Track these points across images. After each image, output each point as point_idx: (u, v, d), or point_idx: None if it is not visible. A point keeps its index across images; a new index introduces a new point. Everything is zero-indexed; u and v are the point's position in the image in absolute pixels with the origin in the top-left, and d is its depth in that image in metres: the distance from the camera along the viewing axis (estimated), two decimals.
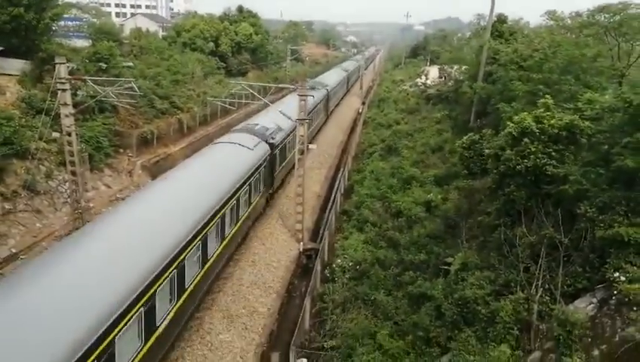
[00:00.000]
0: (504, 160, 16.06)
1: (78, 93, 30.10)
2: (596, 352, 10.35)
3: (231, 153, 22.00)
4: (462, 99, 37.38)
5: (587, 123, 15.21)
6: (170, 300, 13.34)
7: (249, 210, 21.86)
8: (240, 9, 78.83)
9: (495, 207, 17.82)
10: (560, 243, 12.81)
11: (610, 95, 17.25)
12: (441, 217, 22.06)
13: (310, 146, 29.92)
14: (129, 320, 10.64)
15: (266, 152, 24.34)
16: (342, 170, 36.99)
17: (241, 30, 69.33)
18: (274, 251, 23.26)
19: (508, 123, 16.84)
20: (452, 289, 14.94)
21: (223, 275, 20.19)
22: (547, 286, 12.47)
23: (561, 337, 10.82)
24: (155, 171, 33.36)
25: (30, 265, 11.49)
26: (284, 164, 29.37)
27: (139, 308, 11.10)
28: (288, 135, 29.55)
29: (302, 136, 23.52)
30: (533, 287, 12.40)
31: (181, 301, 14.02)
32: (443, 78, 51.26)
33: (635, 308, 10.36)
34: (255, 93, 28.62)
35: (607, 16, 22.97)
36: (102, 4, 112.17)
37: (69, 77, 21.53)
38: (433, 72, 56.92)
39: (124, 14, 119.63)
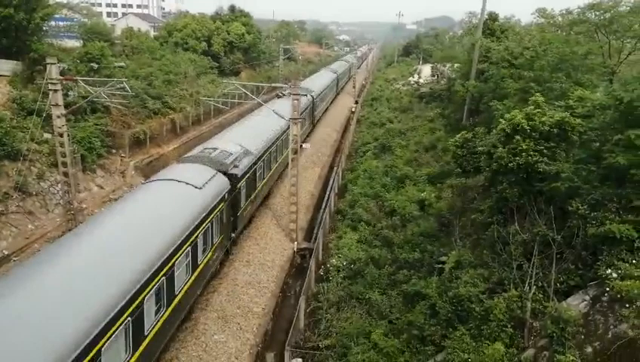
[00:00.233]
0: (496, 157, 16.12)
1: (69, 93, 29.90)
2: (589, 349, 10.43)
3: (165, 199, 15.99)
4: (454, 98, 37.50)
5: (578, 120, 15.31)
6: None
7: (192, 278, 15.69)
8: (232, 8, 78.53)
9: (488, 205, 17.91)
10: (552, 240, 12.88)
11: (601, 92, 17.37)
12: (434, 215, 22.12)
13: (304, 145, 29.93)
14: None
15: (224, 189, 18.99)
16: (335, 168, 37.02)
17: (234, 30, 69.09)
18: (268, 251, 23.24)
19: (500, 120, 16.92)
20: (446, 287, 14.98)
21: (217, 275, 20.16)
22: (540, 283, 12.54)
23: (554, 334, 10.89)
24: (148, 171, 33.21)
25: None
26: (252, 196, 23.81)
27: None
28: (261, 156, 24.80)
29: (295, 135, 23.49)
30: (527, 285, 12.46)
31: None
32: (436, 77, 51.46)
33: (627, 305, 10.45)
34: (248, 93, 28.54)
35: (597, 13, 23.12)
36: (93, 4, 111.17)
37: (61, 77, 21.36)
38: (426, 70, 57.12)
39: (116, 14, 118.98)
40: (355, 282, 19.03)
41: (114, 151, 33.89)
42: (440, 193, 24.60)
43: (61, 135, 21.78)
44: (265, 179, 26.12)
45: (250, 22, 76.20)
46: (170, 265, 13.45)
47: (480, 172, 20.06)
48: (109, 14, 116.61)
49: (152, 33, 71.83)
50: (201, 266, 16.58)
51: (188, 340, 16.37)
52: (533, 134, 15.37)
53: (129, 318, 11.03)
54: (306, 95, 40.91)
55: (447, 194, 24.05)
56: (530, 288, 12.33)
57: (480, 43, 32.84)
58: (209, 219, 16.90)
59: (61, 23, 50.58)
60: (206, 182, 17.71)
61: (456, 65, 42.69)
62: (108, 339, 10.09)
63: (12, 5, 30.38)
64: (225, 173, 19.65)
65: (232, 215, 20.67)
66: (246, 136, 24.87)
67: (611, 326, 10.49)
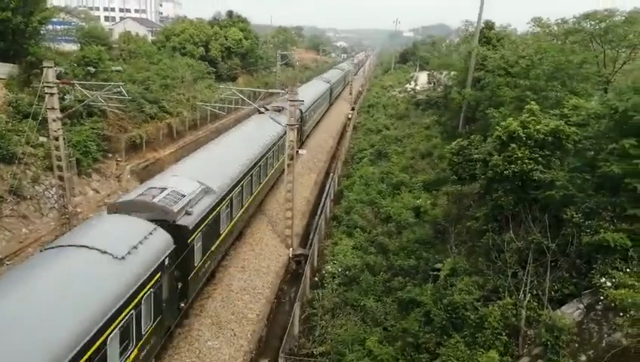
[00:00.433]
0: (492, 165, 16.15)
1: (66, 97, 29.83)
2: (583, 358, 10.43)
3: (59, 283, 10.87)
4: (451, 105, 37.60)
5: (573, 128, 15.38)
6: None
7: None
8: (230, 14, 78.76)
9: (483, 213, 17.92)
10: (547, 248, 12.92)
11: (596, 101, 17.47)
12: (430, 222, 22.13)
13: (300, 152, 29.91)
14: None
15: (164, 251, 14.01)
16: (331, 175, 37.04)
17: (231, 35, 69.24)
18: (263, 257, 23.18)
19: (496, 128, 16.99)
20: (441, 294, 14.97)
21: (212, 281, 20.08)
22: (535, 291, 12.56)
23: (548, 343, 10.90)
24: (144, 176, 33.11)
25: None
26: (214, 247, 18.60)
27: None
28: (229, 193, 20.12)
29: (291, 141, 23.50)
30: (521, 293, 12.48)
31: None
32: (432, 84, 51.59)
33: (621, 314, 10.48)
34: (245, 98, 28.59)
35: (592, 23, 23.28)
36: (91, 8, 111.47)
37: (57, 81, 21.36)
38: (422, 77, 57.31)
39: (113, 18, 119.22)
40: (350, 289, 18.99)
41: (110, 155, 33.80)
42: (435, 200, 24.62)
43: (57, 139, 21.74)
44: (234, 220, 21.18)
45: (248, 27, 76.43)
46: None
47: (475, 179, 20.09)
48: (106, 18, 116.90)
49: (150, 38, 71.88)
50: None
51: (181, 346, 16.28)
52: (529, 142, 15.42)
53: None
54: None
55: (443, 201, 24.07)
56: (524, 296, 12.35)
57: (476, 51, 33.00)
58: (133, 304, 11.77)
59: (59, 27, 50.73)
60: (134, 247, 12.71)
61: (452, 72, 42.83)
62: None
63: (9, 8, 30.36)
64: (170, 226, 14.98)
65: (181, 280, 15.67)
66: (211, 167, 20.73)
67: (605, 335, 10.51)
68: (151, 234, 13.85)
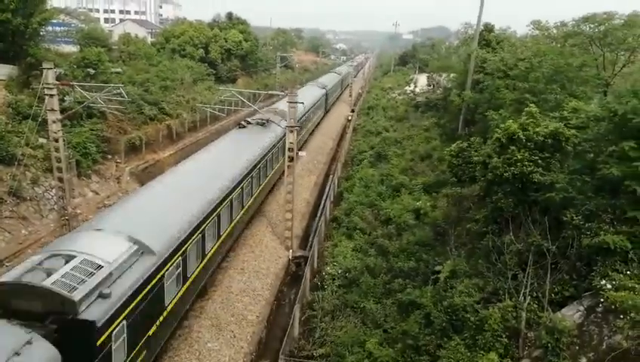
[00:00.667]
0: (492, 167, 16.19)
1: (65, 98, 29.87)
2: (584, 360, 10.45)
3: None
4: (450, 107, 37.67)
5: (572, 131, 15.43)
6: None
7: None
8: (229, 16, 78.91)
9: (483, 215, 17.95)
10: (547, 250, 12.93)
11: (596, 104, 17.52)
12: (430, 224, 22.15)
13: (300, 153, 29.91)
14: None
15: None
16: (331, 176, 37.05)
17: (231, 37, 69.37)
18: (263, 258, 23.17)
19: (496, 130, 17.02)
20: (441, 296, 14.98)
21: (212, 283, 20.06)
22: (535, 294, 12.57)
23: (549, 345, 10.91)
24: (144, 178, 33.12)
25: None
26: (146, 343, 12.83)
27: None
28: (175, 254, 14.23)
29: (291, 143, 23.51)
30: (521, 295, 12.49)
31: None
32: (432, 86, 51.71)
33: (621, 316, 10.48)
34: (244, 100, 28.63)
35: (592, 26, 23.33)
36: (90, 10, 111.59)
37: (57, 82, 21.36)
38: (422, 80, 57.42)
39: (113, 20, 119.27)
40: (350, 291, 18.98)
41: (109, 156, 33.81)
42: (435, 202, 24.64)
43: (56, 140, 21.72)
44: (188, 282, 15.69)
45: (248, 29, 76.60)
46: None
47: (475, 181, 20.13)
48: (106, 20, 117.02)
49: (150, 39, 72.06)
50: None
51: (181, 348, 16.26)
52: (528, 144, 15.46)
53: None
54: (278, 121, 30.83)
55: (443, 203, 24.10)
56: (524, 298, 12.35)
57: (476, 54, 33.08)
58: None
59: (58, 28, 50.76)
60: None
61: (452, 75, 42.94)
62: None
63: (9, 10, 30.43)
64: (67, 325, 9.86)
65: None
66: (157, 213, 15.25)
67: (606, 337, 10.52)
68: (17, 354, 8.56)
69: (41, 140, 27.53)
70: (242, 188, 21.82)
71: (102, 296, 10.68)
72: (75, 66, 35.39)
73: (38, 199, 25.79)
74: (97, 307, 10.44)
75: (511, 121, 16.51)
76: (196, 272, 16.47)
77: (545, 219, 13.84)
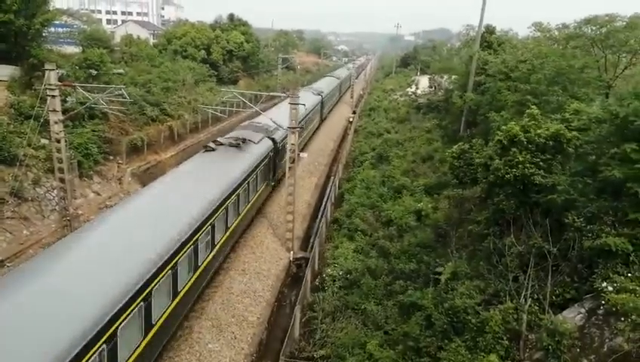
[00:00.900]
0: (493, 169, 16.18)
1: (67, 99, 29.91)
2: None
3: None
4: (452, 109, 37.68)
5: (574, 133, 15.41)
6: None
7: None
8: (231, 17, 79.05)
9: (484, 217, 17.93)
10: (548, 252, 12.91)
11: (597, 106, 17.50)
12: (431, 226, 22.14)
13: (301, 155, 29.92)
14: None
15: None
16: (332, 178, 37.04)
17: (233, 38, 69.48)
18: (264, 260, 23.17)
19: (497, 132, 17.02)
20: (442, 298, 14.96)
21: (212, 284, 20.06)
22: (536, 296, 12.54)
23: (550, 347, 10.88)
24: (145, 179, 33.15)
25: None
26: None
27: None
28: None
29: (292, 144, 23.53)
30: (522, 297, 12.47)
31: None
32: (433, 88, 51.71)
33: (622, 319, 10.44)
34: (246, 101, 28.64)
35: (593, 28, 23.33)
36: (93, 11, 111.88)
37: (59, 83, 21.42)
38: (423, 81, 57.40)
39: (115, 21, 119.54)
40: (351, 292, 18.98)
41: (111, 157, 33.84)
42: (437, 204, 24.63)
43: (58, 141, 21.78)
44: None
45: (249, 31, 76.71)
46: None
47: (477, 183, 20.11)
48: (108, 21, 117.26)
49: (152, 40, 72.16)
50: None
51: (182, 349, 16.25)
52: (530, 146, 15.45)
53: None
54: (259, 139, 26.12)
55: (444, 205, 24.08)
56: (525, 300, 12.33)
57: (477, 55, 33.08)
58: None
59: (60, 29, 50.86)
60: None
61: (453, 76, 42.96)
62: None
63: (12, 11, 30.49)
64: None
65: None
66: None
67: (607, 340, 10.50)
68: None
69: (43, 141, 27.57)
70: (196, 243, 15.50)
71: None
72: (77, 67, 35.44)
73: (40, 199, 25.82)
74: None
75: (513, 123, 16.50)
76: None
77: (546, 221, 13.83)
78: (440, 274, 16.93)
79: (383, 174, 31.49)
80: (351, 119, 60.29)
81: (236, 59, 69.90)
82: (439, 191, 26.00)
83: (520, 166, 15.17)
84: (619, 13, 23.22)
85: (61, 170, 22.29)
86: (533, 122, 15.90)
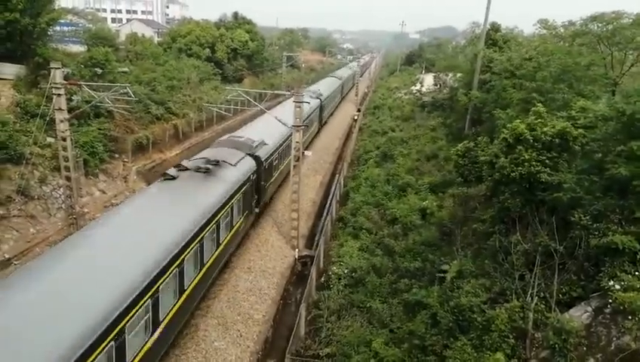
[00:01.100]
0: (499, 167, 16.12)
1: (73, 98, 30.04)
2: (592, 361, 10.37)
3: None
4: (457, 107, 37.53)
5: (580, 130, 15.33)
6: None
7: None
8: (235, 16, 79.07)
9: (490, 215, 17.88)
10: (555, 251, 12.85)
11: (604, 103, 17.39)
12: (436, 224, 22.09)
13: (306, 153, 29.93)
14: None
15: None
16: (337, 176, 37.02)
17: (237, 37, 69.49)
18: (269, 258, 23.21)
19: (503, 130, 16.95)
20: (448, 296, 14.93)
21: (218, 282, 20.12)
22: (542, 294, 12.50)
23: (556, 346, 10.84)
24: (150, 177, 33.26)
25: None
26: None
27: None
28: None
29: (297, 142, 23.53)
30: (529, 295, 12.43)
31: None
32: (438, 86, 51.53)
33: (630, 317, 10.41)
34: (250, 100, 28.65)
35: (600, 25, 23.17)
36: (98, 10, 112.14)
37: (64, 82, 21.49)
38: (428, 79, 57.20)
39: (120, 20, 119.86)
40: (356, 290, 18.98)
41: (116, 156, 33.98)
42: (442, 202, 24.57)
43: (64, 139, 21.87)
44: None
45: (254, 29, 76.69)
46: None
47: (482, 181, 20.04)
48: (113, 20, 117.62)
49: (156, 39, 72.28)
50: None
51: (188, 346, 16.32)
52: (536, 144, 15.38)
53: None
54: (239, 158, 22.19)
55: (449, 203, 24.02)
56: (532, 299, 12.29)
57: (482, 53, 32.95)
58: None
59: (66, 28, 51.05)
60: None
61: (458, 74, 42.77)
62: None
63: (17, 10, 30.59)
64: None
65: None
66: None
67: (614, 338, 10.45)
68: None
69: (49, 139, 27.70)
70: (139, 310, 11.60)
71: None
72: (82, 66, 35.56)
73: (46, 198, 25.96)
74: None
75: (518, 121, 16.43)
76: None
77: (552, 219, 13.76)
78: (445, 272, 16.90)
79: (388, 172, 31.44)
80: (355, 117, 60.22)
81: (241, 57, 69.94)
82: (444, 189, 25.94)
83: (526, 164, 15.11)
84: (625, 10, 23.07)
85: (67, 169, 22.39)
86: (539, 120, 15.82)
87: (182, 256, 14.17)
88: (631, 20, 22.19)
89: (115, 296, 10.78)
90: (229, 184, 19.49)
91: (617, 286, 11.14)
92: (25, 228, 23.82)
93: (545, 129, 15.39)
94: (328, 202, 32.29)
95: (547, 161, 15.13)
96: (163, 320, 13.23)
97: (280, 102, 44.69)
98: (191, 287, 15.43)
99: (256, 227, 25.77)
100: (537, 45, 27.50)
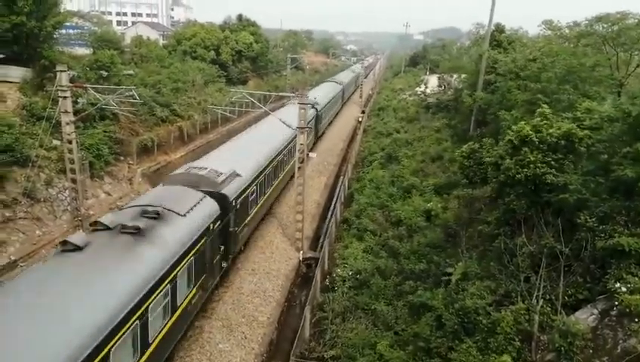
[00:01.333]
0: (504, 169, 16.08)
1: (78, 100, 30.15)
2: None
3: None
4: (461, 108, 37.47)
5: (586, 132, 15.27)
6: None
7: None
8: (240, 18, 79.30)
9: (495, 216, 17.84)
10: (560, 253, 12.80)
11: (609, 104, 17.32)
12: (441, 226, 22.04)
13: (310, 155, 29.90)
14: None
15: None
16: (342, 178, 37.00)
17: (242, 39, 69.70)
18: (274, 260, 23.21)
19: (508, 131, 16.90)
20: (453, 299, 14.89)
21: (223, 284, 20.14)
22: (548, 296, 12.44)
23: (562, 348, 10.79)
24: (155, 179, 33.35)
25: None
26: None
27: None
28: None
29: (302, 144, 23.53)
30: (534, 298, 12.37)
31: None
32: (442, 87, 51.47)
33: (636, 320, 10.34)
34: (255, 102, 28.67)
35: (605, 26, 23.07)
36: (103, 13, 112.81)
37: (70, 84, 21.65)
38: (433, 80, 57.15)
39: (125, 23, 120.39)
40: (361, 292, 18.95)
41: (122, 158, 34.11)
42: (446, 204, 24.52)
43: (70, 142, 22.01)
44: None
45: (258, 31, 76.93)
46: None
47: (487, 183, 19.99)
48: (119, 23, 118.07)
49: (161, 42, 72.56)
50: None
51: (192, 349, 16.33)
52: (541, 146, 15.33)
53: None
54: (201, 199, 16.90)
55: (454, 204, 23.97)
56: (537, 301, 12.24)
57: (487, 54, 32.88)
58: None
59: (72, 31, 51.25)
60: None
61: (463, 75, 42.74)
62: None
63: (24, 13, 30.80)
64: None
65: None
66: None
67: (620, 341, 10.39)
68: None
69: (55, 142, 27.83)
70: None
71: None
72: (88, 69, 35.74)
73: (52, 200, 26.08)
74: None
75: (523, 122, 16.37)
76: None
77: (558, 221, 13.70)
78: (450, 274, 16.84)
79: (393, 174, 31.41)
80: (360, 119, 60.23)
81: (245, 59, 70.13)
82: (449, 190, 25.89)
83: (531, 165, 15.07)
84: (631, 10, 22.95)
85: (73, 171, 22.53)
86: (544, 121, 15.77)
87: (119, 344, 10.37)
88: (636, 21, 22.09)
89: None
90: (171, 248, 13.60)
91: (624, 289, 11.09)
92: (31, 230, 23.94)
93: (550, 130, 15.34)
94: (333, 204, 32.28)
95: (553, 163, 15.08)
96: None
97: (284, 104, 44.32)
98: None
99: (261, 229, 25.77)
100: (542, 46, 27.41)
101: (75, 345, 9.21)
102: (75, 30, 53.64)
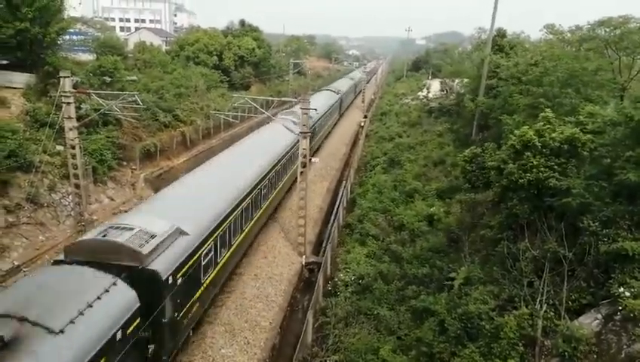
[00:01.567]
0: (506, 173, 16.05)
1: (82, 106, 30.31)
2: None
3: None
4: (463, 113, 37.46)
5: (588, 136, 15.25)
6: None
7: None
8: (242, 23, 79.61)
9: (498, 221, 17.78)
10: (564, 257, 12.75)
11: (612, 109, 17.28)
12: (443, 231, 21.98)
13: (312, 160, 29.91)
14: None
15: None
16: (344, 182, 37.00)
17: (244, 44, 69.93)
18: (276, 264, 23.20)
19: (510, 136, 16.89)
20: (455, 303, 14.84)
21: (225, 289, 20.14)
22: (551, 301, 12.39)
23: (566, 353, 10.74)
24: (158, 184, 33.42)
25: None
26: None
27: None
28: None
29: (304, 149, 23.56)
30: (538, 302, 12.32)
31: None
32: (445, 92, 51.52)
33: None
34: (257, 107, 28.74)
35: (607, 30, 23.06)
36: (106, 19, 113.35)
37: (74, 90, 21.72)
38: (435, 85, 57.23)
39: (129, 29, 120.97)
40: (364, 297, 18.91)
41: (125, 163, 34.21)
42: (449, 208, 24.46)
43: (73, 147, 22.06)
44: None
45: (261, 36, 77.19)
46: None
47: (489, 187, 19.96)
48: (122, 29, 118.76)
49: (164, 47, 72.84)
50: None
51: (195, 354, 16.32)
52: (544, 150, 15.31)
53: None
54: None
55: (456, 209, 23.91)
56: (541, 306, 12.18)
57: (489, 59, 32.90)
58: None
59: (75, 37, 51.59)
60: None
61: (465, 80, 42.73)
62: None
63: (27, 19, 31.00)
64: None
65: None
66: None
67: (624, 346, 10.33)
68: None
69: (58, 147, 27.95)
70: None
71: None
72: (91, 74, 35.92)
73: (55, 205, 26.16)
74: None
75: (526, 127, 16.36)
76: None
77: (561, 226, 13.67)
78: (453, 279, 16.78)
79: (395, 178, 31.39)
80: (362, 123, 60.28)
81: (248, 64, 70.34)
82: (451, 195, 25.84)
83: (534, 170, 15.04)
84: (633, 14, 22.95)
85: (76, 176, 22.57)
86: (547, 126, 15.76)
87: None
88: (639, 25, 22.07)
89: None
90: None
91: (627, 293, 11.02)
92: (34, 235, 24.00)
93: (553, 135, 15.32)
94: (335, 208, 32.27)
95: (555, 167, 15.06)
96: None
97: (286, 109, 42.79)
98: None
99: (264, 233, 25.76)
100: (544, 50, 27.40)
101: None
102: (79, 36, 54.04)
